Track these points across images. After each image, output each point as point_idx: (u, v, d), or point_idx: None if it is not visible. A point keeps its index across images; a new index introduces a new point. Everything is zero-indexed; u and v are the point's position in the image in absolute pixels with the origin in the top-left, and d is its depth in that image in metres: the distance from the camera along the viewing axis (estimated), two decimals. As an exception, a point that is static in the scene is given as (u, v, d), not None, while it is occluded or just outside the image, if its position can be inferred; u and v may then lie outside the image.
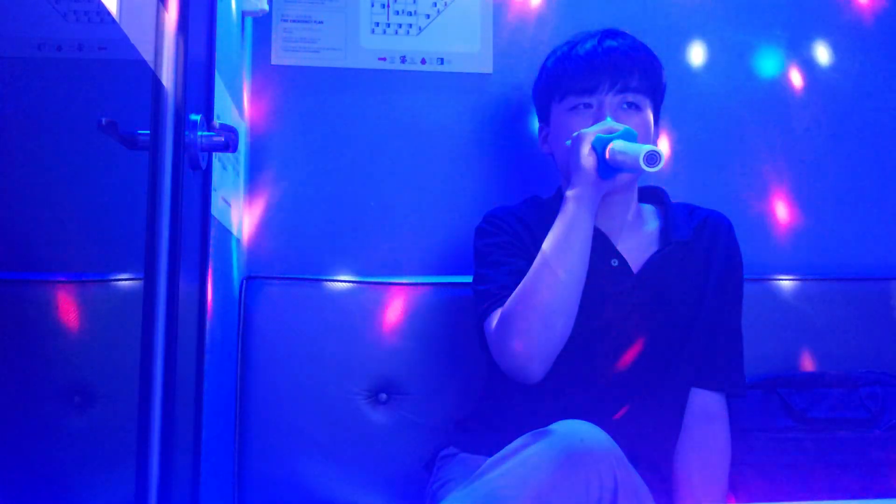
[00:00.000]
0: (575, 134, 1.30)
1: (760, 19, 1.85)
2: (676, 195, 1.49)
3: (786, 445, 1.53)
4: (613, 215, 1.39)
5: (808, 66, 1.85)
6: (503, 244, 1.39)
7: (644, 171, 1.19)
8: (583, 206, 1.28)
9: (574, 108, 1.37)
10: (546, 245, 1.29)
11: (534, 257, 1.32)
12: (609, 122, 1.30)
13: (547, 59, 1.46)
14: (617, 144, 1.24)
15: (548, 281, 1.27)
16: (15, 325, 1.20)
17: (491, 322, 1.32)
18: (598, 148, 1.26)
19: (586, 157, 1.27)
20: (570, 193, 1.29)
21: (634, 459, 1.13)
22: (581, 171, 1.28)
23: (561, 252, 1.27)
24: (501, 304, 1.31)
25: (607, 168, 1.26)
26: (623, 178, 1.32)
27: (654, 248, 1.40)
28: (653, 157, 1.18)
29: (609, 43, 1.38)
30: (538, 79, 1.48)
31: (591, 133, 1.28)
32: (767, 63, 1.84)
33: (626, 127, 1.28)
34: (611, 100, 1.35)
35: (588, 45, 1.39)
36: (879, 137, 1.87)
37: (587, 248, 1.29)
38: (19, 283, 1.26)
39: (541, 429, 1.09)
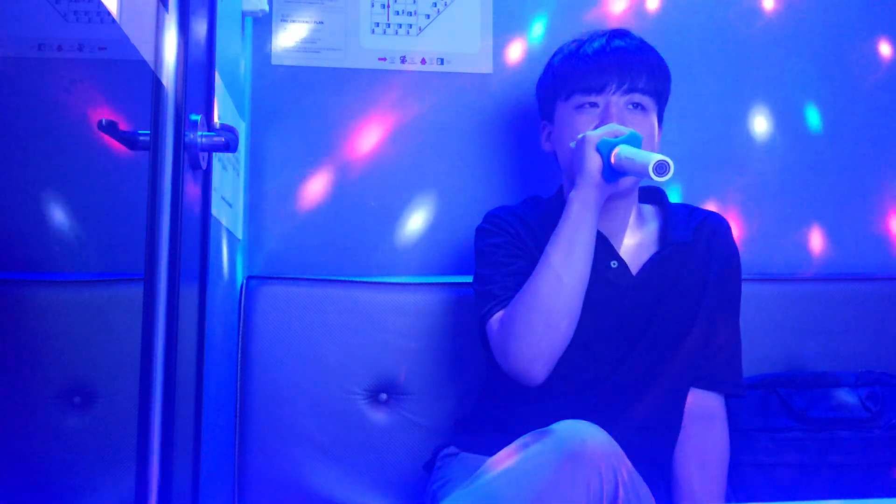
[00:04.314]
0: (580, 136, 1.30)
1: (761, 18, 1.85)
2: (675, 195, 1.49)
3: (786, 445, 1.53)
4: (614, 217, 1.39)
5: (810, 64, 1.85)
6: (504, 244, 1.39)
7: (651, 178, 1.18)
8: (586, 209, 1.28)
9: (580, 106, 1.37)
10: (549, 247, 1.29)
11: (535, 257, 1.32)
12: (614, 126, 1.29)
13: (553, 56, 1.45)
14: (623, 150, 1.23)
15: (551, 284, 1.26)
16: (15, 325, 1.20)
17: (493, 324, 1.32)
18: (603, 151, 1.26)
19: (591, 159, 1.26)
20: (573, 196, 1.29)
21: (634, 459, 1.13)
22: (585, 174, 1.27)
23: (564, 255, 1.27)
24: (503, 306, 1.31)
25: (612, 172, 1.25)
26: (626, 181, 1.32)
27: (653, 250, 1.40)
28: (662, 167, 1.17)
29: (617, 43, 1.38)
30: (543, 76, 1.47)
31: (596, 136, 1.27)
32: (767, 62, 1.85)
33: (632, 131, 1.27)
34: (617, 100, 1.35)
35: (596, 44, 1.38)
36: (880, 137, 1.87)
37: (591, 250, 1.29)
38: (19, 283, 1.26)
39: (542, 429, 1.09)
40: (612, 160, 1.24)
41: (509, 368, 1.30)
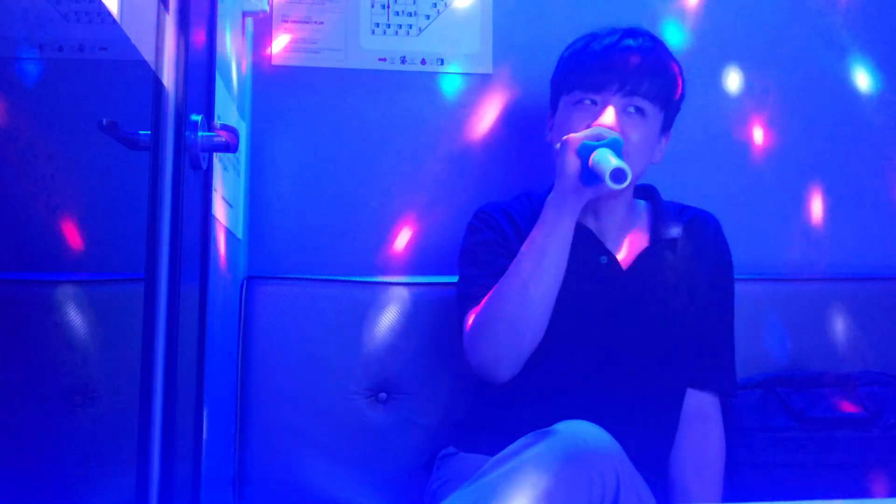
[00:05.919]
0: (564, 138, 1.29)
1: (761, 17, 1.85)
2: (674, 194, 1.49)
3: (785, 445, 1.53)
4: (605, 214, 1.39)
5: (809, 65, 1.85)
6: (489, 242, 1.40)
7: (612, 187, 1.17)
8: (561, 215, 1.28)
9: (579, 102, 1.36)
10: (520, 254, 1.29)
11: None
12: (599, 129, 1.28)
13: (566, 48, 1.44)
14: (598, 154, 1.22)
15: (517, 291, 1.27)
16: (15, 325, 1.20)
17: (466, 324, 1.33)
18: (583, 155, 1.24)
19: (570, 163, 1.25)
20: (549, 200, 1.29)
21: (631, 458, 1.13)
22: (563, 178, 1.27)
23: (534, 263, 1.28)
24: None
25: (591, 175, 1.23)
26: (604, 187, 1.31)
27: (643, 245, 1.40)
28: (618, 175, 1.16)
29: (628, 42, 1.36)
30: (555, 67, 1.46)
31: (577, 139, 1.26)
32: (767, 61, 1.85)
33: (614, 136, 1.25)
34: (617, 101, 1.33)
35: (606, 42, 1.37)
36: (879, 136, 1.87)
37: (563, 257, 1.29)
38: (19, 283, 1.26)
39: (543, 429, 1.09)
40: (590, 164, 1.23)
41: (475, 366, 1.32)
